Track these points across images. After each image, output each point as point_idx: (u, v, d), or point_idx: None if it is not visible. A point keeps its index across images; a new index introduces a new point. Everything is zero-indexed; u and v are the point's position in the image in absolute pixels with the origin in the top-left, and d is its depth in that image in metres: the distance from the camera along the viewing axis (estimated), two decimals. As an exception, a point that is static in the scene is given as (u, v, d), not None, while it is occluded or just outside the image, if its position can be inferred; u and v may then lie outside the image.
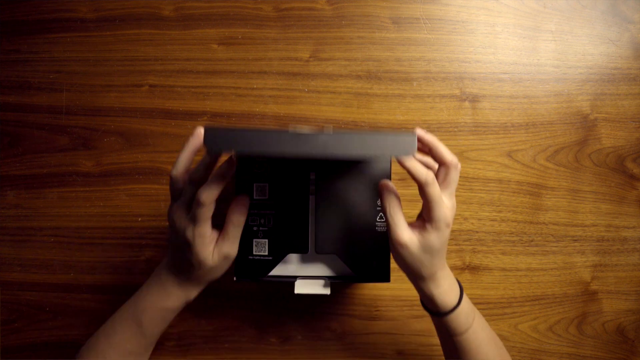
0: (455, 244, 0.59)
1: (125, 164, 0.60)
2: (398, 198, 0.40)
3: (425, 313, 0.57)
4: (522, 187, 0.59)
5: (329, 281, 0.47)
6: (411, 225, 0.40)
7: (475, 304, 0.58)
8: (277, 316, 0.58)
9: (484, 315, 0.58)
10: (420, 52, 0.60)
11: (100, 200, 0.59)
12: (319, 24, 0.61)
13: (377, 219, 0.46)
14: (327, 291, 0.46)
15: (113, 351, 0.43)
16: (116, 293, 0.58)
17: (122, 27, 0.61)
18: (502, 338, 0.58)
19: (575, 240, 0.59)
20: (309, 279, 0.48)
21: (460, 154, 0.59)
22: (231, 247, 0.40)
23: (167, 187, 0.59)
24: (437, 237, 0.38)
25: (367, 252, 0.46)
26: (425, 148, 0.41)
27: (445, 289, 0.41)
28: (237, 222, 0.40)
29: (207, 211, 0.38)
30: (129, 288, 0.58)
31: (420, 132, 0.40)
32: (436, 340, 0.57)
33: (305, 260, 0.49)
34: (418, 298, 0.58)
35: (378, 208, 0.46)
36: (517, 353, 0.58)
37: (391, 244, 0.39)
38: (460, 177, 0.59)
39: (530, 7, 0.61)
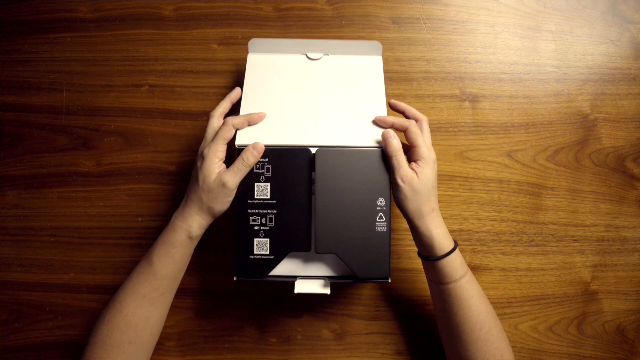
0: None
1: (125, 164, 0.60)
2: (400, 143, 0.46)
3: (425, 312, 0.57)
4: (522, 187, 0.59)
5: (329, 281, 0.47)
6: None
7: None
8: (277, 316, 0.58)
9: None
10: (420, 52, 0.60)
11: (100, 200, 0.59)
12: (319, 24, 0.61)
13: (377, 219, 0.46)
14: (327, 291, 0.46)
15: (128, 297, 0.46)
16: (116, 293, 0.58)
17: (122, 27, 0.61)
18: (502, 338, 0.58)
19: (575, 240, 0.59)
20: (309, 279, 0.48)
21: (460, 154, 0.59)
22: (231, 177, 0.45)
23: (168, 186, 0.59)
24: (430, 171, 0.45)
25: (367, 252, 0.46)
26: (399, 111, 0.52)
27: (443, 231, 0.45)
28: (246, 159, 0.45)
29: (226, 132, 0.46)
30: (129, 288, 0.58)
31: (393, 101, 0.52)
32: (437, 340, 0.57)
33: (305, 259, 0.49)
34: (418, 298, 0.58)
35: (378, 208, 0.46)
36: (517, 353, 0.58)
37: (395, 183, 0.45)
38: (460, 177, 0.59)
39: (530, 7, 0.61)
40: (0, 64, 0.61)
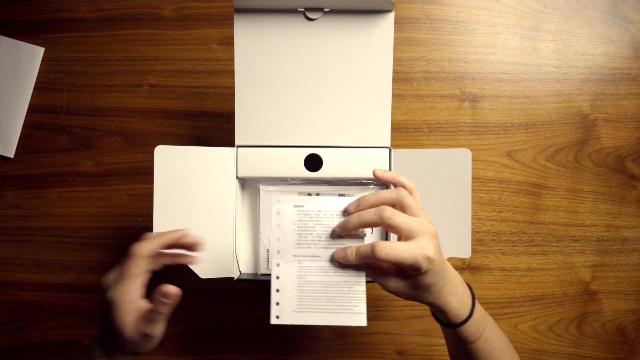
0: (455, 244, 0.59)
1: (125, 164, 0.60)
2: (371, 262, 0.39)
3: (425, 313, 0.57)
4: (522, 187, 0.59)
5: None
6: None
7: (475, 304, 0.58)
8: (277, 316, 0.58)
9: (484, 315, 0.58)
10: (420, 52, 0.60)
11: (100, 200, 0.59)
12: (319, 24, 0.61)
13: None
14: None
15: None
16: (116, 293, 0.58)
17: (122, 27, 0.61)
18: (502, 338, 0.58)
19: (575, 240, 0.59)
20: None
21: (460, 154, 0.59)
22: (151, 328, 0.35)
23: (167, 187, 0.59)
24: (425, 276, 0.36)
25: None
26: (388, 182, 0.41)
27: (456, 303, 0.39)
28: (159, 309, 0.35)
29: (134, 266, 0.34)
30: (129, 288, 0.58)
31: (379, 172, 0.40)
32: (436, 340, 0.57)
33: None
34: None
35: None
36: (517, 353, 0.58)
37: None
38: (460, 177, 0.59)
39: (530, 7, 0.61)
40: (0, 64, 0.61)
